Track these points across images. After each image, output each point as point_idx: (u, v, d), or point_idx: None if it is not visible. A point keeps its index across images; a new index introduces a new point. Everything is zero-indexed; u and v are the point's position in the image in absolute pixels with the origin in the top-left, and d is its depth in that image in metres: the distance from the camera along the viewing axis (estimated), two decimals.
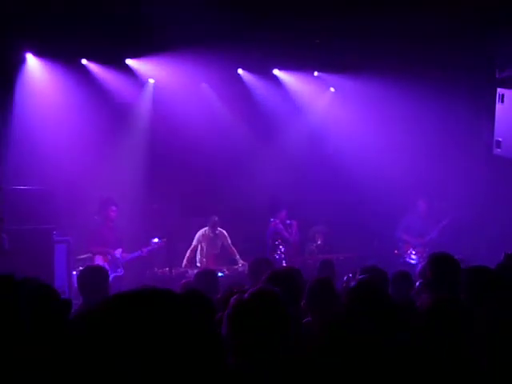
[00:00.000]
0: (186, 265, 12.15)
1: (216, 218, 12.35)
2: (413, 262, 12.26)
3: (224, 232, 12.41)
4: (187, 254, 12.27)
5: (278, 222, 12.33)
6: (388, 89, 12.78)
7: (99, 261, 10.82)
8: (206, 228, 12.37)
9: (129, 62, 12.47)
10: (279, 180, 13.16)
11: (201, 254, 12.33)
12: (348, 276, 6.84)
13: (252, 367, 3.03)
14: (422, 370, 2.20)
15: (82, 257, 11.26)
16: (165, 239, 11.48)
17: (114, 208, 11.41)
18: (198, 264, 12.26)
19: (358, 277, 6.25)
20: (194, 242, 12.35)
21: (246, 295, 4.27)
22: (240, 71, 13.33)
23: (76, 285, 10.05)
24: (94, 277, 6.52)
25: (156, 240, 11.55)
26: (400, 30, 11.15)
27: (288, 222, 12.42)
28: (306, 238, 12.87)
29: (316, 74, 13.69)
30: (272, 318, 3.92)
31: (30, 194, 10.62)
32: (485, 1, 10.13)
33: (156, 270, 11.72)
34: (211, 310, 4.77)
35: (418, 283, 6.60)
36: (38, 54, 11.63)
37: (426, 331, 3.70)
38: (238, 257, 12.24)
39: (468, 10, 10.55)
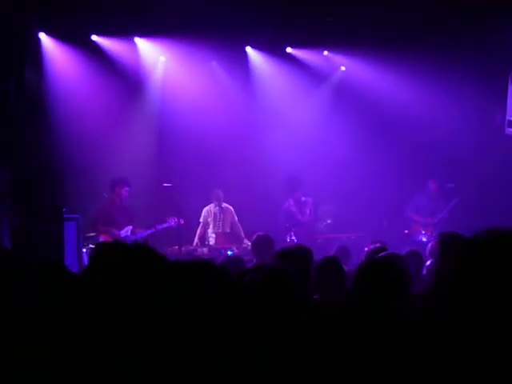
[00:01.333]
0: (197, 243, 12.16)
1: (220, 192, 12.31)
2: (424, 240, 12.23)
3: (231, 208, 12.39)
4: (197, 232, 12.28)
5: (291, 203, 12.24)
6: (399, 69, 12.72)
7: (102, 240, 10.82)
8: (212, 204, 12.36)
9: (137, 40, 12.44)
10: (291, 158, 13.11)
11: (210, 231, 12.33)
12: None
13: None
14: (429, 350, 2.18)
15: (91, 234, 11.28)
16: (181, 220, 11.43)
17: (126, 188, 11.39)
18: (207, 242, 12.26)
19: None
20: (201, 219, 12.35)
21: (257, 275, 4.26)
22: (249, 49, 13.25)
23: (86, 262, 10.21)
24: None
25: (171, 219, 11.51)
26: (411, 13, 11.09)
27: (303, 199, 12.32)
28: (316, 217, 12.83)
29: (326, 53, 13.61)
30: (283, 297, 3.92)
31: (41, 170, 10.62)
32: None
33: (165, 247, 11.73)
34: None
35: (428, 262, 6.60)
36: (50, 32, 11.59)
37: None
38: (242, 235, 12.25)
39: None
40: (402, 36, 11.97)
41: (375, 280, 3.85)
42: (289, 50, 13.44)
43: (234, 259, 7.34)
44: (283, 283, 4.02)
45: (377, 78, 13.27)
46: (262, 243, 7.13)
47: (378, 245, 6.83)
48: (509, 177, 12.66)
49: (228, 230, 12.38)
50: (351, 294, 3.89)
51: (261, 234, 7.50)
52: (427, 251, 7.24)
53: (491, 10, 10.76)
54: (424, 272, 6.81)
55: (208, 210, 12.37)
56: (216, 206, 12.32)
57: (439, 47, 12.31)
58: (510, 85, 10.77)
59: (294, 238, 11.74)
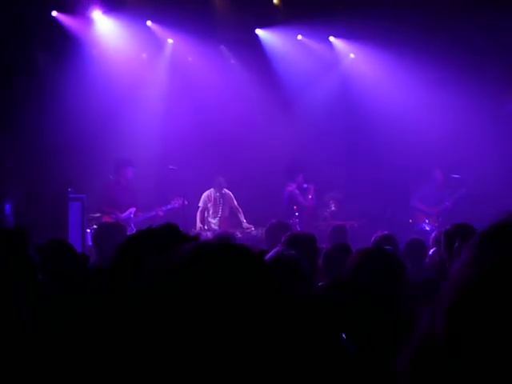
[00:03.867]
0: (200, 227, 12.18)
1: (222, 179, 12.33)
2: (427, 229, 12.24)
3: (230, 193, 12.40)
4: (198, 216, 12.29)
5: (294, 186, 12.25)
6: (413, 58, 12.68)
7: (105, 221, 10.82)
8: (212, 189, 12.37)
9: (149, 23, 12.48)
10: (297, 144, 13.13)
11: (209, 216, 12.35)
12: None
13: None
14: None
15: (96, 215, 11.29)
16: (185, 201, 11.44)
17: (130, 169, 11.41)
18: (206, 227, 12.27)
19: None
20: (201, 204, 12.34)
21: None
22: (259, 31, 13.24)
23: (90, 242, 10.24)
24: (110, 233, 6.54)
25: (175, 200, 11.52)
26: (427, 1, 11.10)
27: (305, 186, 12.33)
28: (320, 204, 12.83)
29: (332, 39, 13.63)
30: (291, 281, 3.95)
31: (47, 149, 10.64)
32: None
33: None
34: None
35: (431, 251, 6.62)
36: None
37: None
38: (242, 217, 12.26)
39: None
40: (416, 25, 11.98)
41: (368, 268, 3.88)
42: (299, 37, 13.47)
43: (224, 237, 7.32)
44: (291, 268, 4.06)
45: (385, 65, 13.25)
46: (277, 230, 6.97)
47: (385, 232, 6.83)
48: None
49: (227, 215, 12.38)
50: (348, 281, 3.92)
51: (276, 220, 7.45)
52: (430, 240, 7.25)
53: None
54: (427, 260, 6.83)
55: (208, 194, 12.37)
56: (216, 191, 12.32)
57: (455, 36, 12.29)
58: None
59: (297, 220, 11.75)
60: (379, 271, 3.83)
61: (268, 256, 4.18)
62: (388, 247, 5.83)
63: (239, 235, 11.48)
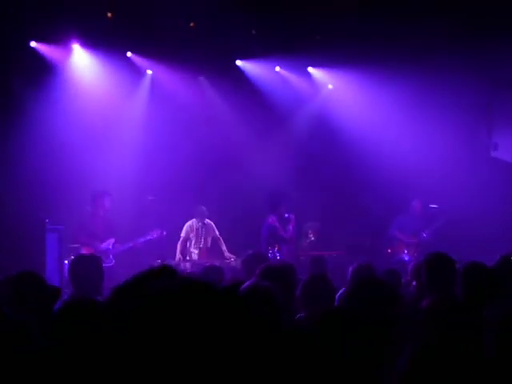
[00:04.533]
0: (179, 258, 12.11)
1: (204, 208, 12.29)
2: (406, 259, 12.26)
3: (212, 223, 12.37)
4: (178, 247, 12.23)
5: (274, 219, 12.19)
6: (386, 88, 12.80)
7: (84, 252, 10.72)
8: (194, 219, 12.34)
9: (129, 54, 12.52)
10: (277, 174, 13.14)
11: (191, 246, 12.30)
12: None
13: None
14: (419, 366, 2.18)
15: (73, 246, 11.20)
16: (164, 232, 11.39)
17: (107, 198, 11.35)
18: (188, 257, 12.21)
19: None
20: (183, 234, 12.30)
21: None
22: (239, 62, 13.31)
23: (67, 274, 10.13)
24: (85, 265, 6.45)
25: (153, 232, 11.48)
26: (399, 31, 11.21)
27: (286, 215, 12.29)
28: (299, 234, 12.81)
29: (311, 70, 13.75)
30: (265, 313, 3.91)
31: (24, 180, 10.58)
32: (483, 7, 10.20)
33: (147, 261, 11.66)
34: None
35: (414, 283, 6.59)
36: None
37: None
38: (224, 247, 12.22)
39: (466, 15, 10.61)
40: (389, 54, 12.09)
41: (367, 300, 3.84)
42: (277, 68, 13.57)
43: (212, 269, 7.26)
44: (263, 300, 4.02)
45: (362, 95, 13.37)
46: (253, 261, 6.92)
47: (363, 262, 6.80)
48: (495, 199, 12.75)
49: (209, 246, 12.35)
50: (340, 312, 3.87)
51: (252, 251, 7.39)
52: (409, 270, 7.23)
53: (477, 31, 10.88)
54: (403, 291, 6.80)
55: (190, 225, 12.33)
56: (198, 221, 12.29)
57: (427, 67, 12.40)
58: (494, 106, 10.83)
59: (277, 254, 11.70)
60: (372, 301, 3.80)
61: (242, 287, 4.15)
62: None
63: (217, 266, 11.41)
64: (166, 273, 1.73)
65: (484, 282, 5.07)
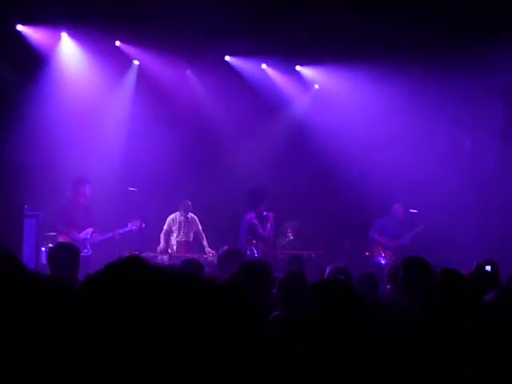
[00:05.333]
0: (161, 248, 12.09)
1: (189, 203, 12.29)
2: (382, 262, 12.31)
3: (195, 218, 12.37)
4: (162, 238, 12.21)
5: (253, 216, 12.18)
6: (375, 89, 12.83)
7: (61, 240, 10.66)
8: (177, 212, 12.32)
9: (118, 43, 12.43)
10: (258, 171, 13.14)
11: (173, 239, 12.29)
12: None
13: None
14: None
15: (51, 234, 11.15)
16: (143, 223, 11.34)
17: (88, 186, 11.31)
18: (169, 250, 12.20)
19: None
20: (165, 227, 12.31)
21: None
22: (228, 58, 13.27)
23: (44, 261, 10.07)
24: (63, 253, 6.44)
25: (132, 223, 11.44)
26: (393, 31, 11.22)
27: (265, 213, 12.28)
28: (278, 233, 12.83)
29: (298, 68, 13.71)
30: (240, 310, 3.90)
31: (3, 164, 10.48)
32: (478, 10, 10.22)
33: (125, 252, 11.64)
34: None
35: (388, 287, 6.61)
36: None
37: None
38: (205, 242, 12.23)
39: (455, 17, 10.62)
40: (379, 54, 12.12)
41: (328, 301, 3.84)
42: (263, 66, 13.55)
43: (191, 262, 7.21)
44: (238, 297, 4.01)
45: (347, 95, 13.38)
46: (229, 257, 6.93)
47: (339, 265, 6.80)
48: (473, 206, 12.83)
49: (191, 240, 12.34)
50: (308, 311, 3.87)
51: (228, 247, 7.36)
52: (384, 274, 7.25)
53: (471, 33, 10.91)
54: (379, 294, 6.82)
55: (173, 217, 12.33)
56: (182, 215, 12.28)
57: (416, 68, 12.44)
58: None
59: (255, 251, 11.70)
60: (337, 303, 3.79)
61: (218, 282, 4.13)
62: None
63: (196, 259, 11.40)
64: (136, 263, 1.72)
65: (458, 290, 5.09)
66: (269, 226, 12.24)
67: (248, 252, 11.60)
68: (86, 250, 11.02)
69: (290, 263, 8.56)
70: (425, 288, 5.29)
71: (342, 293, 3.84)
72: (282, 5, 10.81)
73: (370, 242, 12.94)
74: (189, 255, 11.41)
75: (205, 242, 12.26)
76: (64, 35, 11.94)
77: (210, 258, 11.52)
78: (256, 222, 12.10)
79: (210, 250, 11.96)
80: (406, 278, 5.61)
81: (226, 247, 7.35)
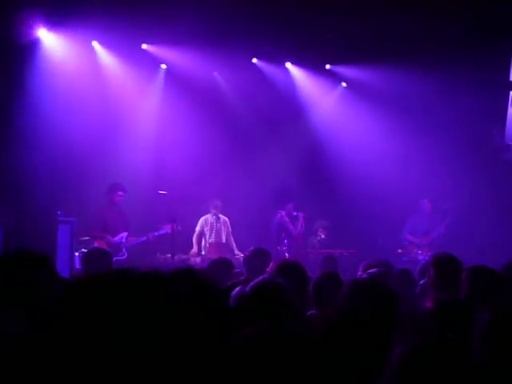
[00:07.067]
0: (194, 252, 12.14)
1: (219, 202, 12.33)
2: (420, 258, 12.26)
3: (227, 219, 12.41)
4: (194, 241, 12.26)
5: (283, 214, 12.24)
6: (399, 88, 12.80)
7: (97, 245, 10.77)
8: (209, 214, 12.37)
9: (144, 46, 12.46)
10: (288, 172, 13.16)
11: (204, 240, 12.33)
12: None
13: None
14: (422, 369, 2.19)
15: (84, 239, 11.25)
16: (177, 226, 11.36)
17: (120, 193, 11.38)
18: (202, 252, 12.25)
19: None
20: (197, 228, 12.36)
21: (248, 288, 4.28)
22: (255, 61, 13.28)
23: (78, 266, 10.18)
24: (99, 258, 6.54)
25: (166, 226, 11.49)
26: (414, 30, 11.19)
27: (295, 214, 12.31)
28: (310, 232, 12.83)
29: (328, 66, 13.66)
30: (277, 310, 3.93)
31: (37, 171, 10.58)
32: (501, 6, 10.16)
33: (158, 255, 11.72)
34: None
35: (422, 282, 6.59)
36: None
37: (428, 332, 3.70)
38: (234, 245, 12.31)
39: (484, 13, 10.56)
40: (403, 54, 12.10)
41: (363, 300, 3.85)
42: (288, 65, 13.55)
43: (219, 262, 7.21)
44: (274, 297, 4.03)
45: (375, 94, 13.36)
46: (255, 257, 6.85)
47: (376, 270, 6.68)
48: (503, 200, 12.73)
49: (223, 241, 12.37)
50: (341, 311, 3.88)
51: (254, 247, 7.32)
52: (418, 270, 7.24)
53: (496, 30, 10.84)
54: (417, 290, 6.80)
55: (205, 219, 12.38)
56: (213, 215, 12.32)
57: (441, 67, 12.38)
58: (509, 108, 10.78)
59: (286, 247, 11.72)
60: (373, 303, 3.80)
61: (252, 284, 4.15)
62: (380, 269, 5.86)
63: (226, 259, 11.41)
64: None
65: (489, 286, 5.08)
66: (299, 225, 12.27)
67: (279, 249, 11.62)
68: (121, 254, 11.15)
69: (324, 263, 8.56)
70: (454, 285, 5.28)
71: (378, 292, 3.85)
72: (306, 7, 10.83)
73: (404, 241, 12.93)
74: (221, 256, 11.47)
75: (234, 245, 12.30)
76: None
77: (241, 259, 11.54)
78: (287, 219, 12.16)
79: (238, 252, 11.97)
80: (436, 275, 5.61)
81: (252, 248, 7.34)
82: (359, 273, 6.55)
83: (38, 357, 1.38)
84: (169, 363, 1.37)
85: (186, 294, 1.46)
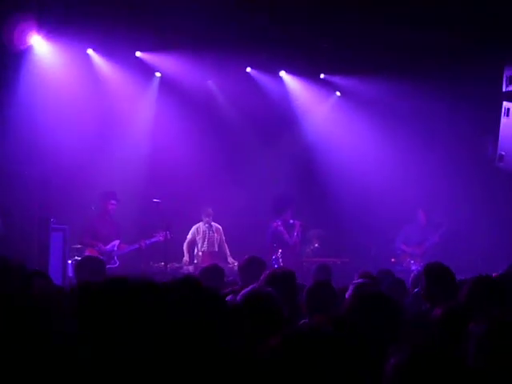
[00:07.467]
0: (186, 260, 12.11)
1: (211, 210, 12.30)
2: (413, 268, 12.27)
3: (219, 227, 12.39)
4: (185, 249, 12.23)
5: (279, 223, 12.20)
6: (393, 97, 12.83)
7: (88, 253, 10.74)
8: (201, 222, 12.34)
9: (139, 54, 12.43)
10: (282, 180, 13.18)
11: (197, 249, 12.31)
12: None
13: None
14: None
15: (76, 246, 11.23)
16: (169, 234, 11.35)
17: (113, 202, 11.39)
18: (195, 260, 12.22)
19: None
20: (189, 236, 12.32)
21: (238, 297, 4.28)
22: (249, 70, 13.28)
23: (70, 273, 10.16)
24: (91, 266, 6.54)
25: (158, 234, 11.47)
26: (407, 41, 11.22)
27: (291, 221, 12.29)
28: (304, 241, 12.82)
29: (322, 76, 13.67)
30: (267, 319, 3.93)
31: (31, 179, 10.56)
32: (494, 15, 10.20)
33: (151, 263, 11.70)
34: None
35: (415, 290, 6.60)
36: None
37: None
38: (228, 252, 12.28)
39: (476, 22, 10.59)
40: (396, 64, 12.12)
41: (368, 311, 3.82)
42: (282, 73, 13.55)
43: (211, 269, 7.19)
44: (264, 306, 4.03)
45: (369, 103, 13.37)
46: (249, 266, 6.85)
47: (365, 280, 6.67)
48: (496, 209, 12.75)
49: (216, 249, 12.33)
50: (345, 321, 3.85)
51: (249, 256, 7.31)
52: (410, 280, 7.25)
53: (489, 40, 10.87)
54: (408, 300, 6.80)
55: (197, 227, 12.36)
56: (205, 223, 12.30)
57: (434, 77, 12.41)
58: (502, 118, 10.79)
59: (280, 259, 11.69)
60: (377, 314, 3.79)
61: (242, 293, 4.16)
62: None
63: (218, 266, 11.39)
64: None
65: (491, 295, 5.06)
66: (295, 233, 12.25)
67: (273, 257, 11.59)
68: (113, 262, 11.13)
69: (317, 272, 8.54)
70: (446, 295, 5.27)
71: (378, 301, 3.83)
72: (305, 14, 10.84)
73: (397, 250, 12.95)
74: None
75: (227, 253, 12.27)
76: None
77: (234, 268, 11.53)
78: (282, 229, 12.13)
79: (232, 260, 11.96)
80: (428, 284, 5.61)
81: (247, 256, 7.32)
82: (354, 281, 6.56)
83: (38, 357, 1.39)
84: (170, 365, 1.38)
85: (189, 301, 1.48)
